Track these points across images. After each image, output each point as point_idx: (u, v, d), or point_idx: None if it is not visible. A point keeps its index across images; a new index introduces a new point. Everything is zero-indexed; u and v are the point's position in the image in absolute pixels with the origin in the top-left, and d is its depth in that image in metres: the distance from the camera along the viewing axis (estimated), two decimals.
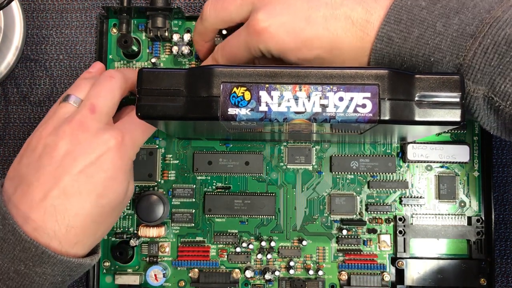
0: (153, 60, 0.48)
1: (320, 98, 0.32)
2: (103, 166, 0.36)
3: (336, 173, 0.47)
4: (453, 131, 0.47)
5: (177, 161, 0.48)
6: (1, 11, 0.47)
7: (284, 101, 0.32)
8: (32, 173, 0.36)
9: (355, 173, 0.47)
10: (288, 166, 0.48)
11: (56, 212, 0.35)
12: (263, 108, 0.32)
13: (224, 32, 0.46)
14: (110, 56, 0.48)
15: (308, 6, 0.36)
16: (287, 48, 0.37)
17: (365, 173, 0.47)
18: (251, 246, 0.47)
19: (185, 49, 0.46)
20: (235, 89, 0.32)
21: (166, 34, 0.47)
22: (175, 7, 0.46)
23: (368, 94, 0.32)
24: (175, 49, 0.47)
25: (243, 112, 0.32)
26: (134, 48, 0.47)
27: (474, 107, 0.34)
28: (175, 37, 0.47)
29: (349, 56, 0.37)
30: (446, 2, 0.34)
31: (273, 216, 0.47)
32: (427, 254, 0.47)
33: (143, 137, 0.40)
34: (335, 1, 0.36)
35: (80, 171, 0.35)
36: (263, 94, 0.31)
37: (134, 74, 0.41)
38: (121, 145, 0.37)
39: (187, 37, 0.46)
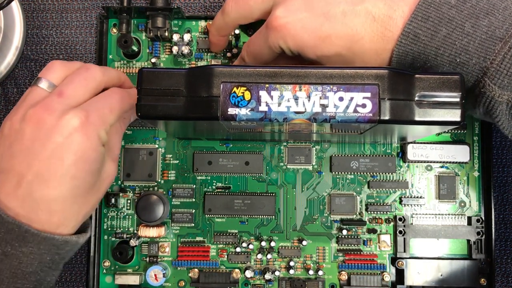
0: (153, 60, 0.48)
1: (320, 98, 0.32)
2: (71, 148, 0.35)
3: (336, 173, 0.47)
4: (453, 131, 0.47)
5: (177, 161, 0.48)
6: (1, 11, 0.47)
7: (284, 101, 0.32)
8: (5, 161, 0.36)
9: (355, 173, 0.47)
10: (288, 166, 0.48)
11: (33, 198, 0.35)
12: (263, 108, 0.31)
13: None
14: (110, 56, 0.48)
15: (327, 2, 0.36)
16: (306, 45, 0.37)
17: (365, 173, 0.47)
18: (251, 246, 0.47)
19: (185, 49, 0.46)
20: (235, 89, 0.32)
21: (166, 34, 0.47)
22: (175, 7, 0.46)
23: (368, 94, 0.32)
24: (175, 49, 0.47)
25: (243, 112, 0.32)
26: (134, 48, 0.47)
27: (497, 111, 0.34)
28: (175, 37, 0.47)
29: (369, 53, 0.36)
30: (476, 2, 0.34)
31: (273, 216, 0.47)
32: (427, 254, 0.47)
33: (112, 115, 0.38)
34: None
35: (50, 155, 0.35)
36: (263, 94, 0.31)
37: (117, 73, 0.40)
38: (86, 124, 0.36)
39: (187, 37, 0.46)
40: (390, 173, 0.47)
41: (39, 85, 0.38)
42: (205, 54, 0.48)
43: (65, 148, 0.35)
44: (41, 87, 0.38)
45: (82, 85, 0.37)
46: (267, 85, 0.32)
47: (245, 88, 0.32)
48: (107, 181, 0.40)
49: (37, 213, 0.35)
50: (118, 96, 0.38)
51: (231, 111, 0.32)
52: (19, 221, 0.34)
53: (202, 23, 0.48)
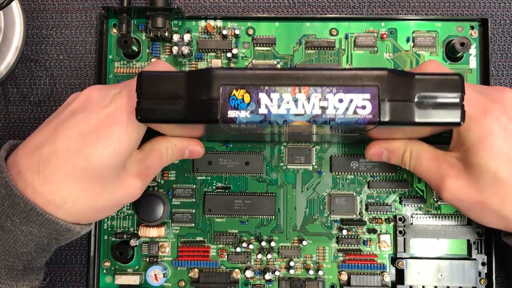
0: (153, 60, 0.48)
1: (320, 100, 0.32)
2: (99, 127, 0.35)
3: (336, 173, 0.47)
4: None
5: (177, 161, 0.48)
6: (1, 11, 0.47)
7: (283, 103, 0.32)
8: (41, 129, 0.36)
9: (355, 173, 0.47)
10: (288, 166, 0.48)
11: (40, 160, 0.34)
12: (262, 110, 0.31)
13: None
14: (110, 56, 0.48)
15: None
16: None
17: (365, 173, 0.47)
18: (251, 246, 0.47)
19: (185, 49, 0.46)
20: (234, 91, 0.32)
21: (166, 34, 0.47)
22: (175, 7, 0.46)
23: (368, 96, 0.32)
24: (175, 49, 0.47)
25: (242, 114, 0.32)
26: (134, 48, 0.47)
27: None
28: (175, 37, 0.47)
29: None
30: None
31: (273, 216, 0.47)
32: (427, 254, 0.47)
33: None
34: None
35: (73, 131, 0.35)
36: (262, 96, 0.31)
37: None
38: (128, 106, 0.36)
39: (187, 37, 0.46)
40: (390, 173, 0.47)
41: None
42: (205, 54, 0.48)
43: (91, 126, 0.35)
44: None
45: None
46: (266, 88, 0.32)
47: (244, 91, 0.32)
48: (124, 191, 0.38)
49: (34, 177, 0.34)
50: None
51: (231, 113, 0.32)
52: (26, 197, 0.33)
53: (202, 23, 0.48)
